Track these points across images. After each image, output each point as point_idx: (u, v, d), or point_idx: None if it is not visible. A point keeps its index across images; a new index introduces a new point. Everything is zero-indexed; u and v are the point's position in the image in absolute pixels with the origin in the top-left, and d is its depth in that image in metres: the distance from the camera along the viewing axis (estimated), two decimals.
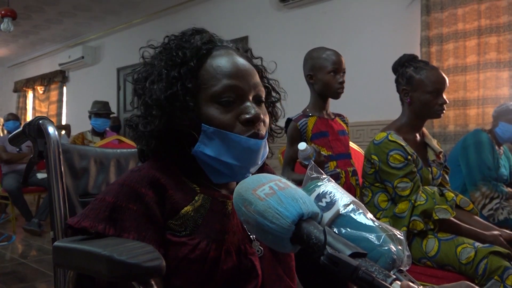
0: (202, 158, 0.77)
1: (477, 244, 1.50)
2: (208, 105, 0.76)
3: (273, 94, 0.90)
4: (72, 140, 4.35)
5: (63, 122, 7.01)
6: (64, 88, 7.25)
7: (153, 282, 0.60)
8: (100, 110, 4.09)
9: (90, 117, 4.14)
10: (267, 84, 0.88)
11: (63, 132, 5.75)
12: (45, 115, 6.22)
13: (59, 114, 7.17)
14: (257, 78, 0.80)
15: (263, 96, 0.81)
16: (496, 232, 1.56)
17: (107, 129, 4.30)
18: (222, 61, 0.78)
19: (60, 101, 7.21)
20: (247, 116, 0.75)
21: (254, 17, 4.49)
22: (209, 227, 0.74)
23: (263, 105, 0.81)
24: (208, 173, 0.80)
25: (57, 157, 0.84)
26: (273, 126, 0.91)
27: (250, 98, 0.77)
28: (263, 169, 0.92)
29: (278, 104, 0.91)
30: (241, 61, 0.80)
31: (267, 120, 0.81)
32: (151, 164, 0.79)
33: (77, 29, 6.42)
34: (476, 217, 1.69)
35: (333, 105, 1.93)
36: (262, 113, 0.77)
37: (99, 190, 0.96)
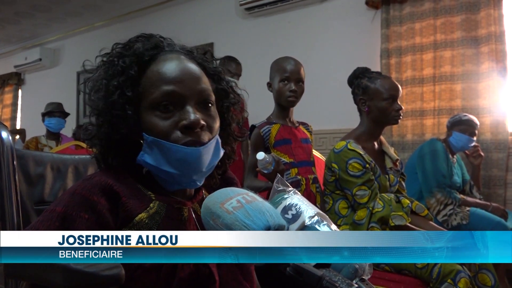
0: (146, 166, 0.77)
1: None
2: (149, 113, 0.75)
3: (231, 96, 0.87)
4: (25, 144, 4.16)
5: (18, 127, 6.71)
6: (19, 91, 6.95)
7: None
8: (54, 109, 3.93)
9: (43, 119, 3.98)
10: (224, 87, 0.85)
11: (17, 137, 5.50)
12: None
13: (13, 118, 6.84)
14: (203, 82, 0.77)
15: (211, 100, 0.78)
16: None
17: (64, 134, 4.15)
18: (164, 67, 0.76)
19: (14, 104, 6.89)
20: (185, 122, 0.73)
21: (220, 24, 4.50)
22: None
23: (211, 109, 0.78)
24: (159, 180, 0.79)
25: (10, 163, 0.81)
26: (232, 129, 0.87)
27: (192, 103, 0.75)
28: (227, 177, 0.91)
29: (238, 106, 0.89)
30: (185, 65, 0.77)
31: (215, 125, 0.78)
32: (104, 171, 0.77)
33: (35, 30, 6.18)
34: (431, 222, 1.76)
35: (296, 113, 1.97)
36: (205, 118, 0.75)
37: (56, 197, 0.92)
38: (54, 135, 3.96)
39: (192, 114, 0.73)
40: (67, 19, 5.72)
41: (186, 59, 0.79)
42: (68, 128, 4.98)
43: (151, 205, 0.75)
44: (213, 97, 0.79)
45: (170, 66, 0.76)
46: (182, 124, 0.73)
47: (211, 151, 0.76)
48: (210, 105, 0.78)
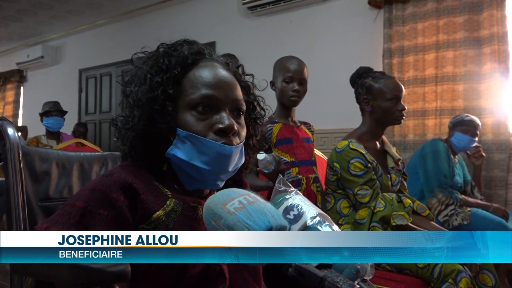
0: (175, 161, 0.79)
1: None
2: (185, 112, 0.78)
3: (258, 110, 0.91)
4: (26, 144, 4.12)
5: (19, 124, 6.72)
6: (21, 88, 6.96)
7: None
8: (50, 108, 3.92)
9: (41, 119, 3.96)
10: (252, 101, 0.90)
11: (19, 134, 5.50)
12: None
13: (15, 115, 6.85)
14: (237, 92, 0.82)
15: (242, 109, 0.83)
16: None
17: (64, 132, 4.14)
18: (204, 72, 0.80)
19: (16, 101, 6.90)
20: (220, 126, 0.76)
21: (222, 23, 4.50)
22: None
23: (242, 118, 0.83)
24: (181, 178, 0.81)
25: (17, 160, 0.82)
26: (253, 142, 0.91)
27: (227, 109, 0.79)
28: (241, 181, 0.94)
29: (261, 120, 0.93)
30: (224, 73, 0.81)
31: (243, 133, 0.82)
32: (123, 168, 0.79)
33: (37, 28, 6.19)
34: (432, 222, 1.76)
35: (298, 113, 1.97)
36: (236, 125, 0.79)
37: (61, 194, 0.93)
38: (54, 134, 3.95)
39: (227, 120, 0.77)
40: (69, 17, 5.72)
41: (223, 68, 0.83)
42: (70, 125, 4.99)
43: (168, 202, 0.77)
44: (244, 107, 0.84)
45: (211, 72, 0.80)
46: (218, 128, 0.77)
47: (238, 154, 0.80)
48: (241, 113, 0.82)
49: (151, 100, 0.78)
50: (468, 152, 2.81)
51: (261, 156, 1.55)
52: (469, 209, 2.55)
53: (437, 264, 1.49)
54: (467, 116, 2.73)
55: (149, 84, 0.79)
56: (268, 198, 0.74)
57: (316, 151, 2.06)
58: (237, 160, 0.80)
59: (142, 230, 0.73)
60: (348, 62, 3.35)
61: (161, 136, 0.80)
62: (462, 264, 1.50)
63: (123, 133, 0.81)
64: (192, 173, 0.78)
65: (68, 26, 6.01)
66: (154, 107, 0.78)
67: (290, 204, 0.69)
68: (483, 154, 2.80)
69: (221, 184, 0.81)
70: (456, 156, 2.77)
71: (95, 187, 0.73)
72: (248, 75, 0.92)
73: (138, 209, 0.74)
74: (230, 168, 0.79)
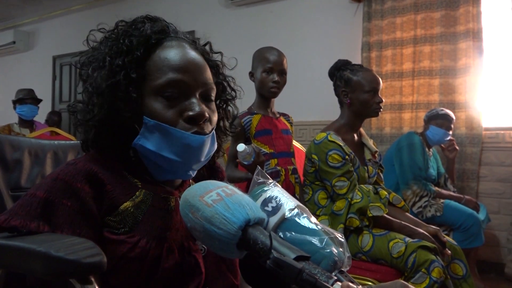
0: (142, 152, 0.74)
1: (407, 239, 1.60)
2: (152, 98, 0.72)
3: (228, 91, 0.86)
4: None
5: None
6: None
7: (93, 279, 0.58)
8: (25, 96, 3.79)
9: (14, 107, 3.85)
10: (222, 81, 0.85)
11: None
12: None
13: None
14: (207, 74, 0.77)
15: (213, 93, 0.78)
16: (421, 231, 1.66)
17: (38, 121, 4.02)
18: (171, 53, 0.74)
19: None
20: (190, 113, 0.71)
21: (201, 12, 4.44)
22: (150, 224, 0.71)
23: (212, 102, 0.78)
24: (150, 169, 0.77)
25: None
26: (226, 124, 0.87)
27: (197, 94, 0.74)
28: (213, 167, 0.91)
29: (232, 102, 0.88)
30: (192, 54, 0.75)
31: (214, 118, 0.77)
32: (89, 157, 0.74)
33: (8, 12, 5.95)
34: (406, 213, 1.80)
35: (277, 104, 1.97)
36: (208, 111, 0.74)
37: (34, 183, 0.90)
38: (27, 123, 3.84)
39: (198, 107, 0.72)
40: (42, 1, 5.53)
41: (191, 48, 0.77)
42: (43, 114, 4.85)
43: (137, 193, 0.73)
44: (215, 91, 0.78)
45: (178, 54, 0.74)
46: (188, 115, 0.71)
47: (209, 142, 0.75)
48: (212, 97, 0.77)
49: (113, 86, 0.71)
50: (442, 145, 2.87)
51: (241, 147, 1.54)
52: (442, 200, 2.62)
53: (411, 254, 1.53)
54: (442, 110, 2.79)
55: (109, 68, 0.72)
56: (246, 189, 0.73)
57: (295, 143, 2.07)
58: (209, 148, 0.76)
59: (109, 222, 0.69)
60: (327, 55, 3.36)
61: (125, 124, 0.74)
62: (435, 254, 1.54)
63: (84, 122, 0.74)
64: (162, 164, 0.74)
65: (41, 10, 5.81)
66: (117, 94, 0.71)
67: (269, 196, 0.68)
68: (457, 148, 2.87)
69: (193, 173, 0.77)
70: (431, 149, 2.83)
71: (58, 176, 0.69)
72: (216, 53, 0.86)
73: (104, 200, 0.70)
74: (203, 158, 0.75)
